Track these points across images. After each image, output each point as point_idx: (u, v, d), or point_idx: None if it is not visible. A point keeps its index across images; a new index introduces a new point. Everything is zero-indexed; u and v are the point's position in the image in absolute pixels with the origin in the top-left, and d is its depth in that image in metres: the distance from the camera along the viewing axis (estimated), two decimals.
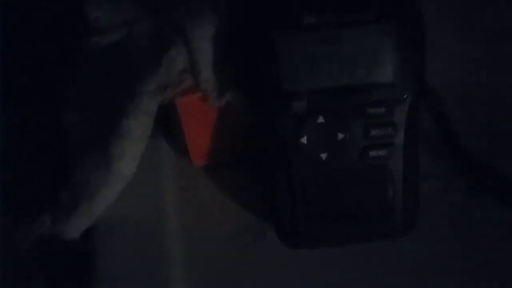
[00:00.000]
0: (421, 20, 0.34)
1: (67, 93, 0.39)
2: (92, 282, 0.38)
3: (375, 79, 0.33)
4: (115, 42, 0.38)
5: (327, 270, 0.38)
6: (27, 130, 0.42)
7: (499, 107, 0.39)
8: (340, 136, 0.34)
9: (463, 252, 0.37)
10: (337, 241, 0.35)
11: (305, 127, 0.34)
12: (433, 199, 0.38)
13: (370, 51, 0.33)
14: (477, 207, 0.38)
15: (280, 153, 0.34)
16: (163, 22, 0.37)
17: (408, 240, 0.36)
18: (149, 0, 0.38)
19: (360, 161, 0.34)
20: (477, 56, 0.39)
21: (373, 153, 0.34)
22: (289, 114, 0.33)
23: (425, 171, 0.38)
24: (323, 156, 0.34)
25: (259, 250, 0.38)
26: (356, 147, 0.34)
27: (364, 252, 0.37)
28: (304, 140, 0.34)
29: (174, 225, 0.39)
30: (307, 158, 0.34)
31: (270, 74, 0.33)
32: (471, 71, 0.39)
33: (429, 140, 0.38)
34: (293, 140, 0.34)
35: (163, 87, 0.36)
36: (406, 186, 0.34)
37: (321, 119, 0.33)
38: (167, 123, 0.39)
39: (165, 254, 0.38)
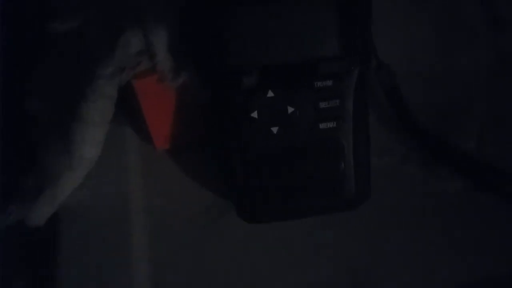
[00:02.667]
0: None
1: (29, 79, 0.39)
2: (55, 268, 0.38)
3: (322, 53, 0.34)
4: (72, 27, 0.38)
5: (290, 244, 0.38)
6: None
7: (450, 83, 0.39)
8: (290, 109, 0.34)
9: (419, 224, 0.38)
10: (293, 215, 0.36)
11: (255, 101, 0.34)
12: (389, 173, 0.38)
13: (315, 25, 0.34)
14: (433, 180, 0.38)
15: (234, 129, 0.35)
16: (118, 4, 0.37)
17: (366, 214, 0.37)
18: None
19: (311, 134, 0.34)
20: (427, 32, 0.40)
21: (322, 125, 0.34)
22: (239, 89, 0.34)
23: (381, 145, 0.38)
24: (274, 130, 0.34)
25: (222, 229, 0.38)
26: (306, 120, 0.34)
27: (322, 225, 0.38)
28: (255, 114, 0.34)
29: (138, 210, 0.39)
30: (258, 132, 0.34)
31: (220, 50, 0.34)
32: (422, 48, 0.39)
33: (385, 114, 0.39)
34: (244, 115, 0.34)
35: (120, 70, 0.37)
36: (357, 157, 0.35)
37: (270, 93, 0.34)
38: (130, 108, 0.39)
39: (130, 239, 0.39)
